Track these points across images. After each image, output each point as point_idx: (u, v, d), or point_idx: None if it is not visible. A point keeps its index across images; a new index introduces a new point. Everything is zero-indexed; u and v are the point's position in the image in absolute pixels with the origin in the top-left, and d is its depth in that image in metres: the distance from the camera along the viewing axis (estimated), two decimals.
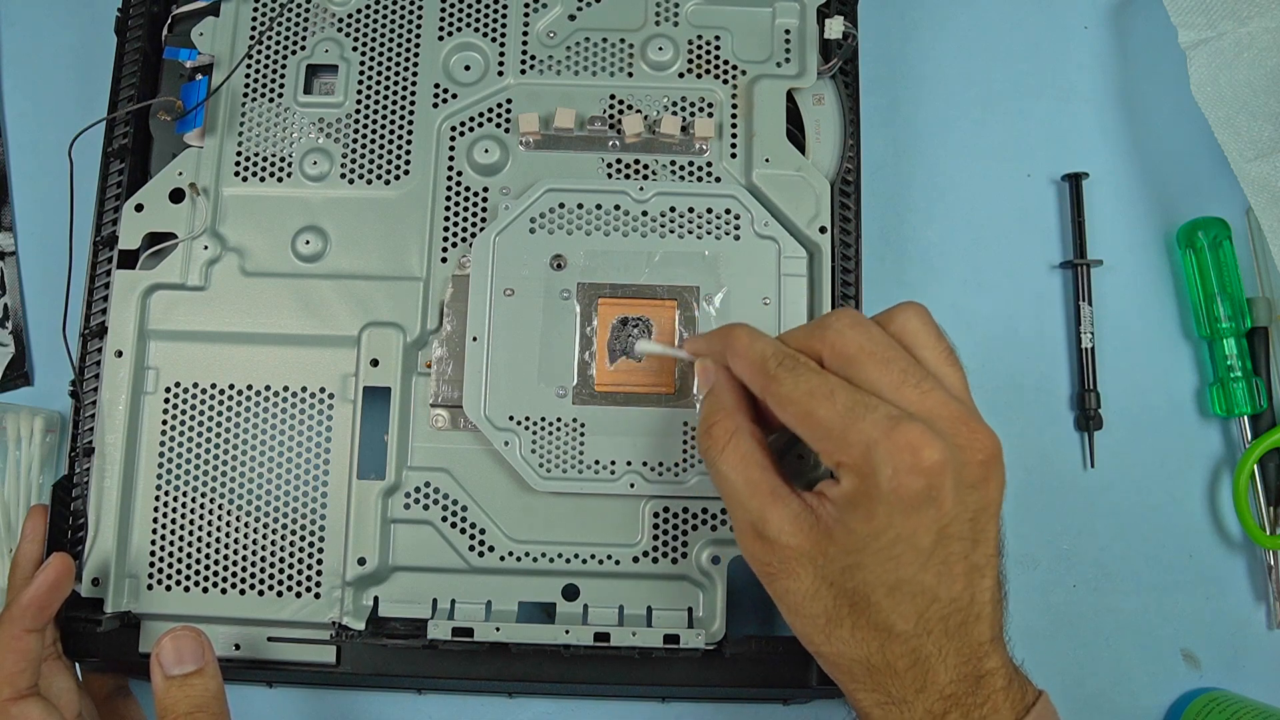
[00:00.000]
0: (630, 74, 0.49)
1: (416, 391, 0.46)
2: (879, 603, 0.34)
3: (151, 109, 0.49)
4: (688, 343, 0.42)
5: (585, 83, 0.49)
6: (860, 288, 0.46)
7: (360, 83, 0.49)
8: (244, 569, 0.45)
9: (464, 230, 0.47)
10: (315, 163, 0.48)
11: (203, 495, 0.45)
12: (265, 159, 0.48)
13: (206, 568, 0.45)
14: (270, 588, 0.45)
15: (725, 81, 0.49)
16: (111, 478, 0.45)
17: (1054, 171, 0.56)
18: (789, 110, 0.48)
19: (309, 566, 0.45)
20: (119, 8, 0.50)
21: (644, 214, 0.47)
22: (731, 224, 0.46)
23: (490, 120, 0.48)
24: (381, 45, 0.49)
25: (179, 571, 0.45)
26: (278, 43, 0.49)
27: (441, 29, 0.49)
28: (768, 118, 0.48)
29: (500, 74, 0.49)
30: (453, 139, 0.48)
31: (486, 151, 0.48)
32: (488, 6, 0.50)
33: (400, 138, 0.48)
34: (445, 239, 0.47)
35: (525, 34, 0.49)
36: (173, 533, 0.45)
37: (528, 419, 0.45)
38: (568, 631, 0.43)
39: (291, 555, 0.45)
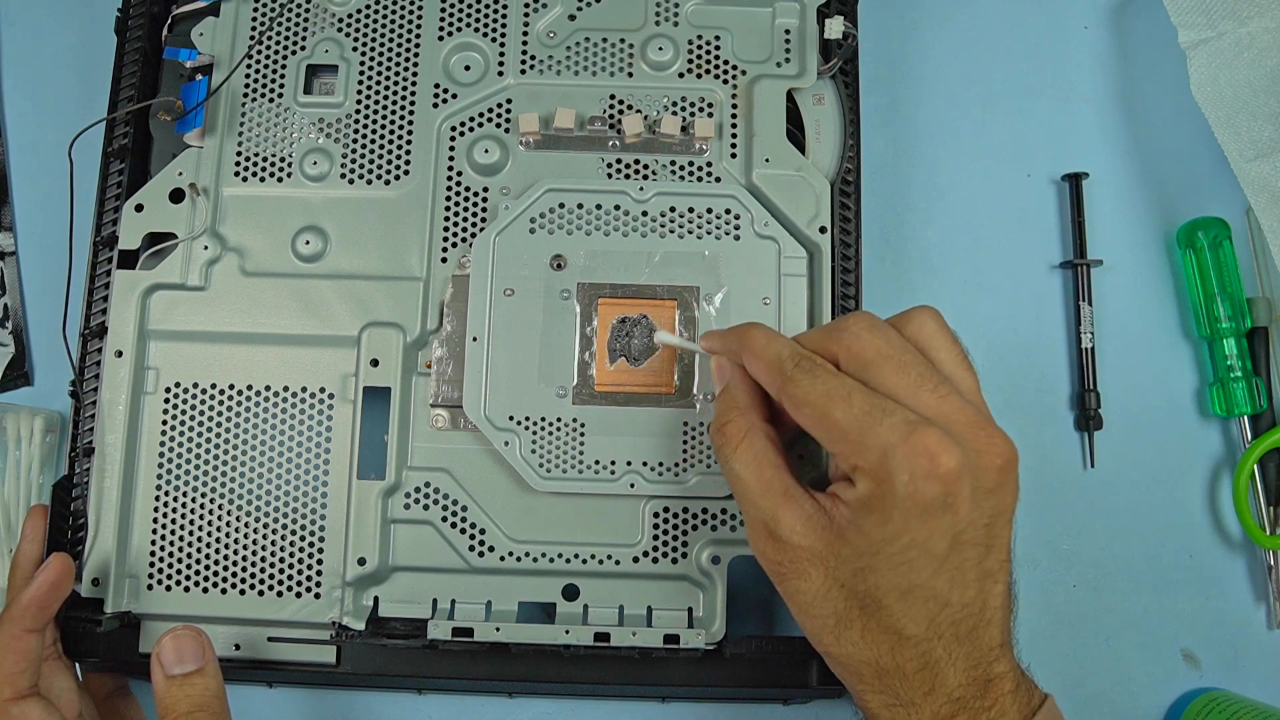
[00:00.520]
0: (630, 74, 0.49)
1: (416, 391, 0.46)
2: (890, 606, 0.34)
3: (151, 109, 0.49)
4: (704, 338, 0.42)
5: (585, 83, 0.49)
6: (860, 288, 0.46)
7: (360, 83, 0.49)
8: (244, 569, 0.45)
9: (464, 230, 0.47)
10: (315, 163, 0.48)
11: (203, 495, 0.45)
12: (265, 159, 0.48)
13: (206, 568, 0.45)
14: (270, 588, 0.45)
15: (725, 81, 0.49)
16: (111, 478, 0.45)
17: (1054, 171, 0.56)
18: (789, 110, 0.48)
19: (309, 566, 0.45)
20: (119, 8, 0.50)
21: (644, 214, 0.47)
22: (731, 224, 0.46)
23: (490, 120, 0.48)
24: (381, 45, 0.49)
25: (179, 571, 0.45)
26: (278, 43, 0.49)
27: (441, 29, 0.49)
28: (768, 118, 0.48)
29: (500, 74, 0.49)
30: (453, 139, 0.48)
31: (486, 151, 0.48)
32: (488, 6, 0.50)
33: (400, 138, 0.48)
34: (445, 239, 0.47)
35: (525, 34, 0.49)
36: (173, 533, 0.45)
37: (528, 419, 0.45)
38: (568, 631, 0.43)
39: (291, 555, 0.45)
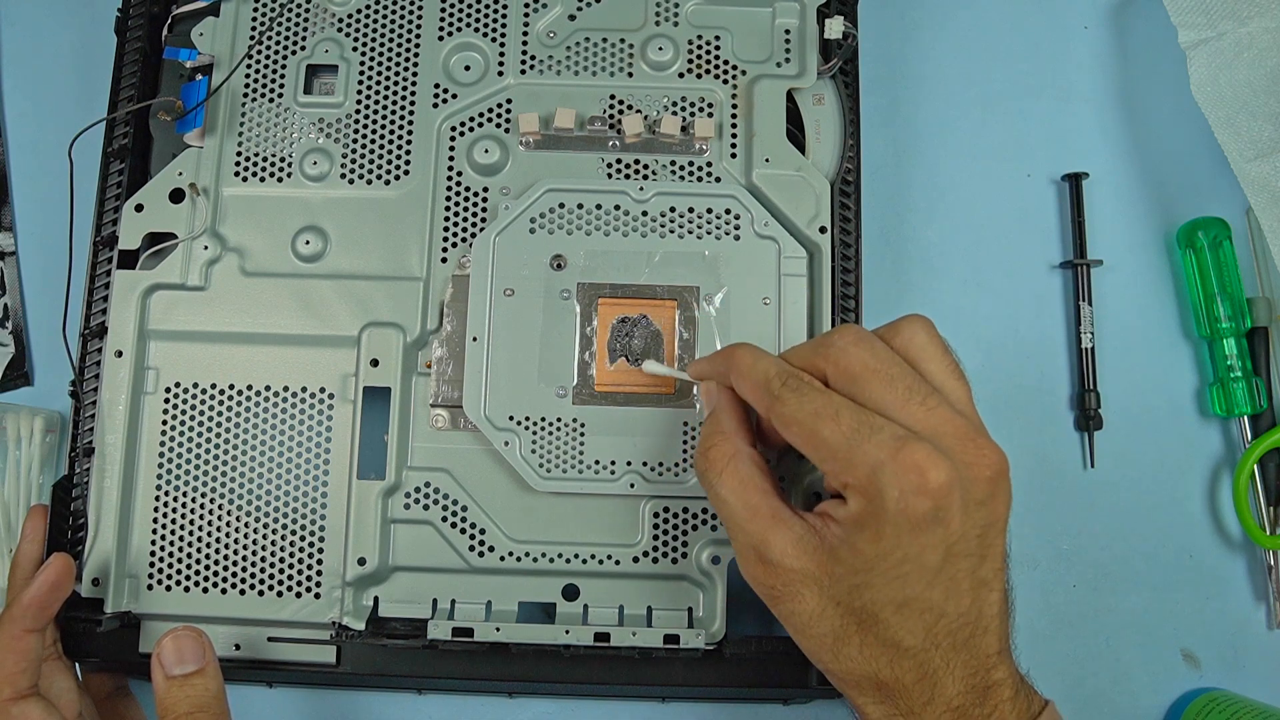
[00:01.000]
0: (630, 74, 0.49)
1: (416, 391, 0.46)
2: (887, 620, 0.34)
3: (151, 109, 0.49)
4: (691, 366, 0.42)
5: (585, 83, 0.49)
6: (860, 288, 0.46)
7: (360, 83, 0.49)
8: (244, 569, 0.45)
9: (464, 230, 0.47)
10: (315, 163, 0.48)
11: (203, 495, 0.45)
12: (265, 159, 0.48)
13: (206, 568, 0.45)
14: (270, 588, 0.45)
15: (725, 81, 0.49)
16: (111, 478, 0.45)
17: (1054, 171, 0.56)
18: (789, 110, 0.48)
19: (309, 566, 0.45)
20: (119, 8, 0.50)
21: (644, 214, 0.47)
22: (731, 224, 0.46)
23: (490, 120, 0.48)
24: (381, 45, 0.49)
25: (179, 571, 0.45)
26: (278, 43, 0.49)
27: (441, 29, 0.49)
28: (768, 118, 0.48)
29: (500, 74, 0.49)
30: (453, 139, 0.48)
31: (486, 151, 0.48)
32: (488, 6, 0.50)
33: (400, 138, 0.48)
34: (445, 239, 0.47)
35: (525, 34, 0.49)
36: (173, 533, 0.45)
37: (528, 419, 0.45)
38: (568, 631, 0.43)
39: (291, 555, 0.45)
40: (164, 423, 0.46)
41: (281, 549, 0.45)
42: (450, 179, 0.48)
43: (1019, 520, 0.51)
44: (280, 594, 0.45)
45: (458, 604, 0.44)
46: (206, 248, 0.47)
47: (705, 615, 0.44)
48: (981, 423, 0.36)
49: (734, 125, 0.48)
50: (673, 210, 0.47)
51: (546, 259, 0.46)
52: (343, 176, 0.48)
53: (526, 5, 0.49)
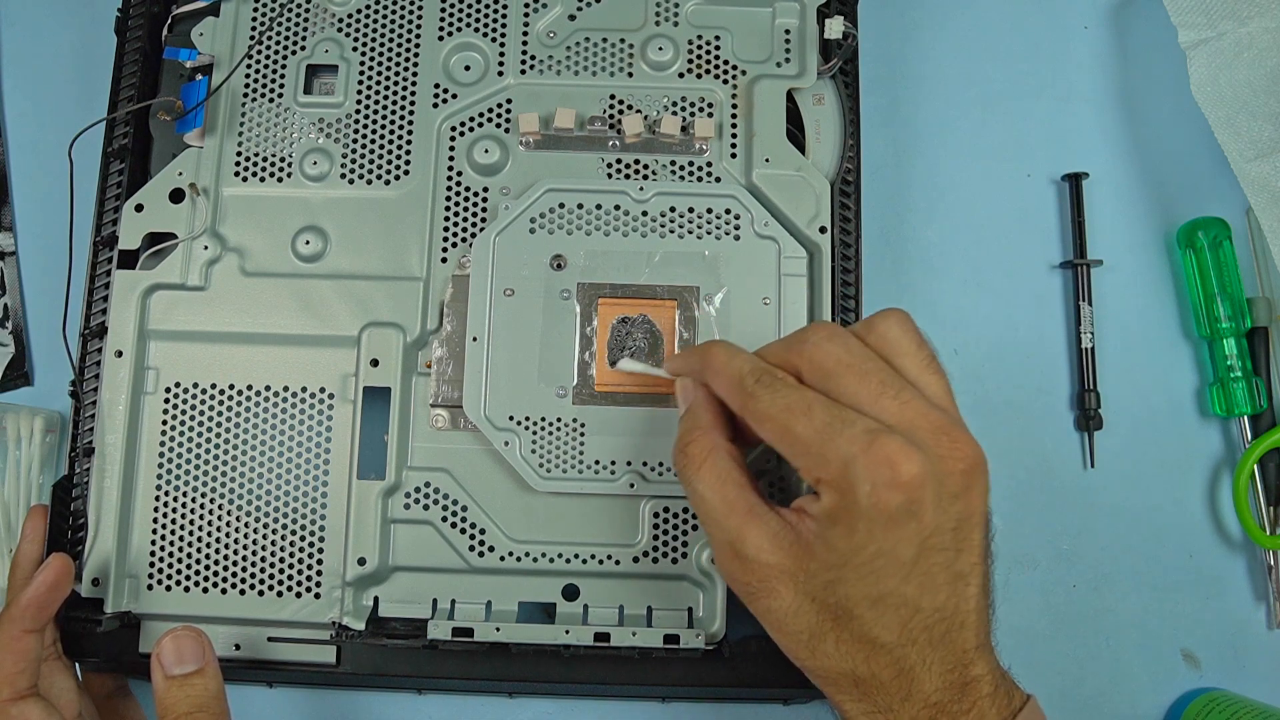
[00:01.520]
0: (630, 74, 0.49)
1: (416, 391, 0.46)
2: (862, 616, 0.34)
3: (151, 109, 0.49)
4: (667, 362, 0.42)
5: (585, 83, 0.49)
6: (860, 288, 0.46)
7: (360, 83, 0.49)
8: (244, 569, 0.45)
9: (464, 230, 0.47)
10: (315, 163, 0.48)
11: (203, 495, 0.45)
12: (265, 159, 0.48)
13: (206, 568, 0.45)
14: (270, 588, 0.45)
15: (725, 81, 0.49)
16: (111, 478, 0.45)
17: (1054, 171, 0.56)
18: (789, 110, 0.48)
19: (309, 566, 0.45)
20: (119, 8, 0.50)
21: (644, 214, 0.47)
22: (731, 224, 0.46)
23: (490, 120, 0.48)
24: (381, 45, 0.49)
25: (179, 571, 0.45)
26: (278, 43, 0.49)
27: (441, 29, 0.49)
28: (768, 118, 0.48)
29: (500, 74, 0.49)
30: (453, 139, 0.48)
31: (486, 151, 0.48)
32: (488, 6, 0.50)
33: (400, 138, 0.48)
34: (445, 239, 0.47)
35: (525, 34, 0.49)
36: (173, 533, 0.45)
37: (528, 419, 0.45)
38: (568, 631, 0.43)
39: (291, 555, 0.45)
40: (164, 423, 0.46)
41: (281, 549, 0.45)
42: (450, 179, 0.48)
43: (1019, 520, 0.52)
44: (280, 594, 0.45)
45: (458, 604, 0.44)
46: (206, 248, 0.47)
47: (705, 615, 0.44)
48: (959, 416, 0.36)
49: (734, 125, 0.48)
50: (673, 210, 0.47)
51: (546, 259, 0.46)
52: (343, 176, 0.48)
53: (526, 5, 0.49)
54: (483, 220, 0.47)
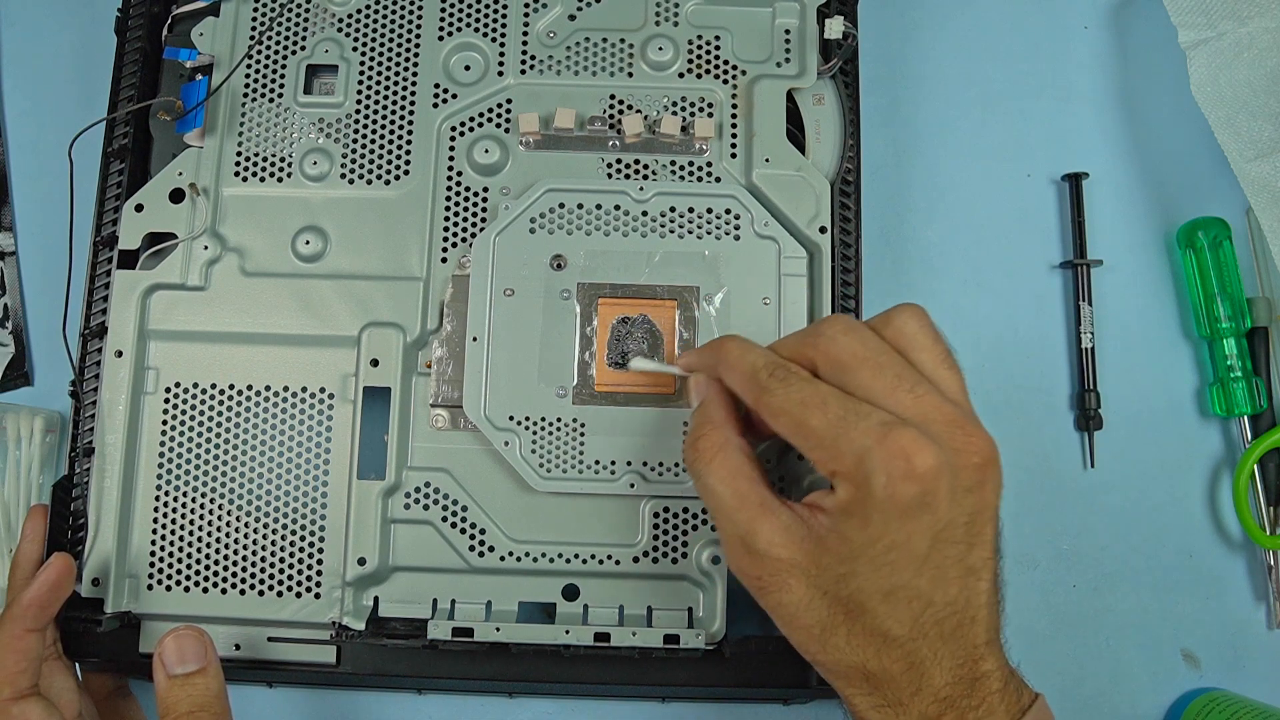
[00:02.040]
0: (630, 74, 0.49)
1: (416, 391, 0.46)
2: (874, 609, 0.34)
3: (151, 109, 0.49)
4: (680, 359, 0.42)
5: (585, 83, 0.49)
6: (860, 288, 0.46)
7: (360, 83, 0.49)
8: (244, 569, 0.45)
9: (464, 230, 0.47)
10: (315, 163, 0.48)
11: (203, 495, 0.45)
12: (265, 159, 0.48)
13: (206, 568, 0.45)
14: (270, 588, 0.45)
15: (725, 81, 0.49)
16: (111, 478, 0.45)
17: (1054, 171, 0.56)
18: (789, 110, 0.48)
19: (309, 566, 0.45)
20: (119, 8, 0.50)
21: (644, 214, 0.47)
22: (731, 224, 0.46)
23: (490, 120, 0.48)
24: (381, 45, 0.49)
25: (179, 571, 0.45)
26: (278, 43, 0.49)
27: (441, 29, 0.49)
28: (768, 118, 0.48)
29: (500, 74, 0.49)
30: (453, 139, 0.48)
31: (486, 151, 0.48)
32: (488, 6, 0.50)
33: (400, 138, 0.48)
34: (445, 239, 0.47)
35: (525, 34, 0.49)
36: (173, 533, 0.45)
37: (528, 419, 0.45)
38: (568, 631, 0.43)
39: (291, 555, 0.45)
40: (164, 423, 0.46)
41: (281, 549, 0.45)
42: (450, 179, 0.48)
43: (1019, 520, 0.52)
44: (280, 594, 0.45)
45: (458, 604, 0.44)
46: (206, 248, 0.47)
47: (705, 615, 0.44)
48: (973, 411, 0.36)
49: (734, 125, 0.48)
50: (673, 210, 0.47)
51: (546, 259, 0.46)
52: (343, 176, 0.48)
53: (526, 5, 0.49)
54: (483, 220, 0.47)
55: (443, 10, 0.49)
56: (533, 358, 0.45)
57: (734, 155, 0.48)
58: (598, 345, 0.45)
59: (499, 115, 0.48)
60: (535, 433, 0.45)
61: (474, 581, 0.45)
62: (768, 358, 0.37)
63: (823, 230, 0.46)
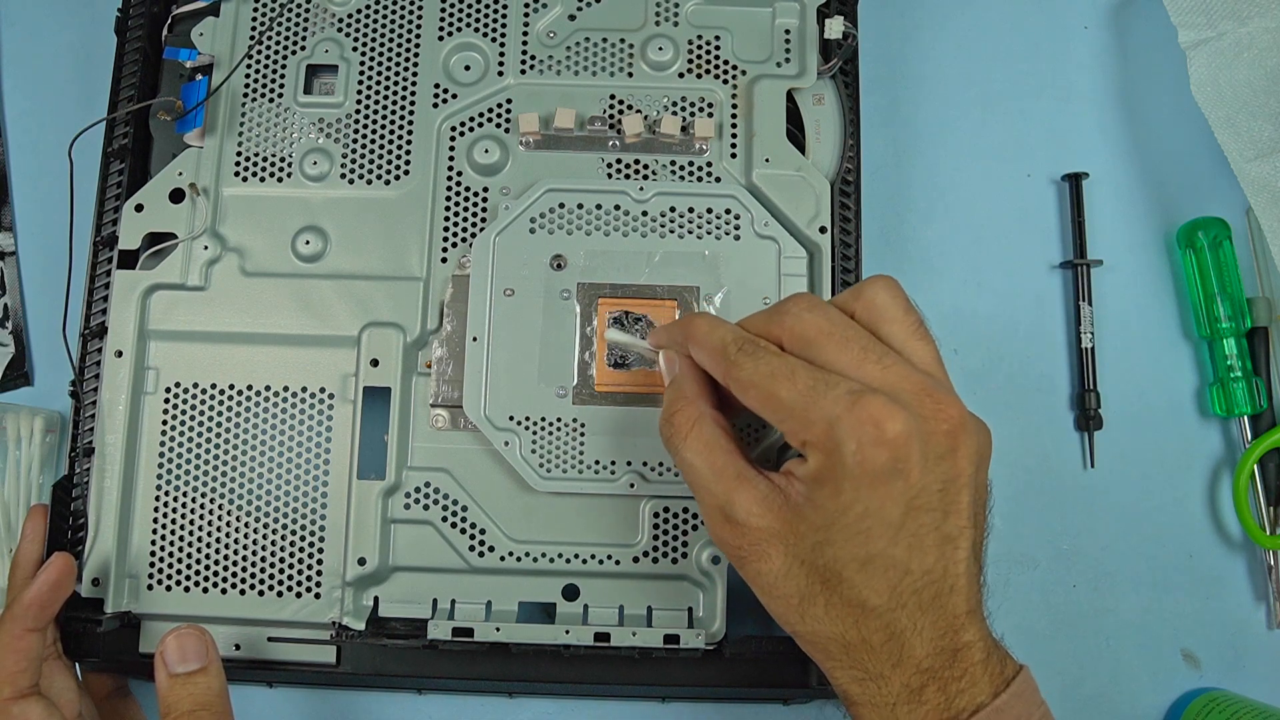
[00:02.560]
0: (630, 74, 0.49)
1: (416, 391, 0.46)
2: (851, 578, 0.34)
3: (151, 109, 0.49)
4: (651, 335, 0.42)
5: (585, 83, 0.49)
6: None
7: (360, 83, 0.49)
8: (244, 569, 0.45)
9: (464, 230, 0.47)
10: (315, 163, 0.48)
11: (203, 495, 0.45)
12: (265, 159, 0.48)
13: (206, 568, 0.45)
14: (270, 588, 0.45)
15: (725, 81, 0.49)
16: (111, 478, 0.45)
17: (1054, 171, 0.56)
18: (789, 110, 0.48)
19: (309, 566, 0.45)
20: (119, 8, 0.50)
21: (644, 214, 0.47)
22: (731, 224, 0.46)
23: (490, 120, 0.48)
24: (381, 45, 0.49)
25: (179, 571, 0.45)
26: (278, 43, 0.49)
27: (441, 29, 0.49)
28: (768, 118, 0.48)
29: (500, 74, 0.49)
30: (453, 139, 0.48)
31: (486, 151, 0.48)
32: (488, 6, 0.50)
33: (400, 138, 0.48)
34: (445, 239, 0.47)
35: (525, 34, 0.49)
36: (173, 533, 0.45)
37: (528, 419, 0.45)
38: (568, 631, 0.43)
39: (291, 555, 0.45)
40: (164, 423, 0.46)
41: (281, 549, 0.45)
42: (450, 179, 0.48)
43: (1019, 520, 0.52)
44: (280, 594, 0.45)
45: (458, 604, 0.44)
46: (206, 248, 0.47)
47: (705, 615, 0.44)
48: (947, 380, 0.36)
49: (734, 125, 0.48)
50: (673, 210, 0.47)
51: (546, 259, 0.46)
52: (343, 176, 0.48)
53: (526, 5, 0.49)
54: (483, 220, 0.47)
55: (443, 10, 0.49)
56: (533, 358, 0.45)
57: (734, 155, 0.48)
58: (598, 345, 0.45)
59: (499, 115, 0.48)
60: (535, 433, 0.45)
61: (474, 581, 0.45)
62: (736, 333, 0.37)
63: (823, 230, 0.46)
